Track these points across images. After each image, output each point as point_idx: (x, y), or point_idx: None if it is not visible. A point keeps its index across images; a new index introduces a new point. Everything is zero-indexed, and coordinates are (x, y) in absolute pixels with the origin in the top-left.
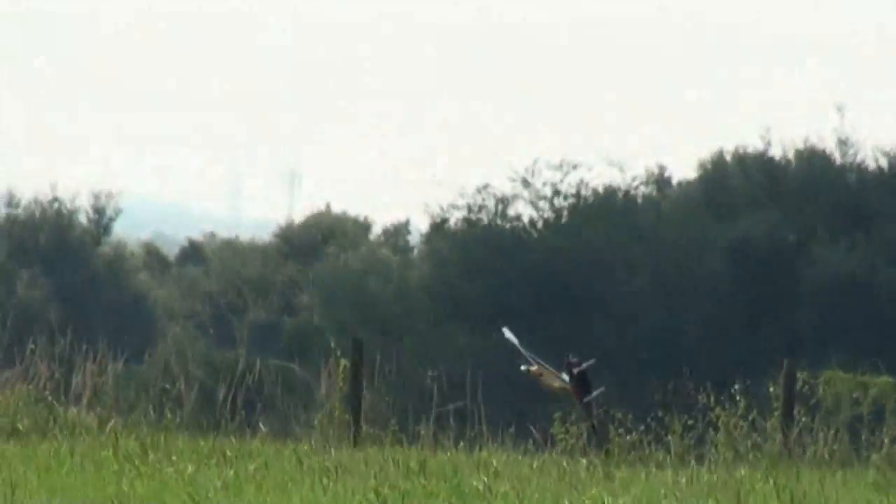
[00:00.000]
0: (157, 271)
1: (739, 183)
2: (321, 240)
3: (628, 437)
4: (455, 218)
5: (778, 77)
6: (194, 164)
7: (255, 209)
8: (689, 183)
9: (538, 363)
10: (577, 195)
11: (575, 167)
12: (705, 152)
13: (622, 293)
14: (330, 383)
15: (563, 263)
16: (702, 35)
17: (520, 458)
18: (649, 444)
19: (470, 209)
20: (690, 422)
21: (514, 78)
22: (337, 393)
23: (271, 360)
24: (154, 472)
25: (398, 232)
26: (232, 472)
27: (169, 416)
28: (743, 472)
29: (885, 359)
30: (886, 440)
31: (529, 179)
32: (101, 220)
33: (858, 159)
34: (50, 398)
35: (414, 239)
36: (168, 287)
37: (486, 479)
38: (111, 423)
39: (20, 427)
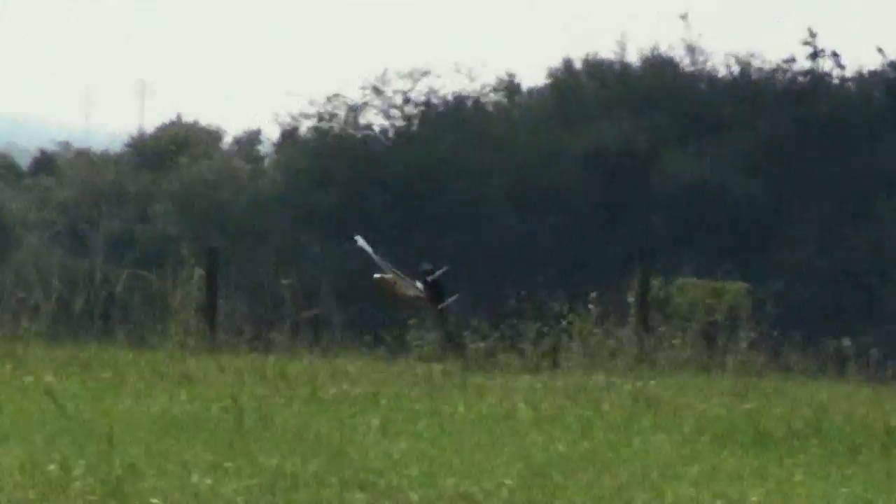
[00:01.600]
0: (10, 182)
1: (590, 90)
2: (174, 149)
3: (482, 344)
4: (306, 127)
5: None
6: (45, 75)
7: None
8: (539, 90)
9: (392, 271)
10: (428, 103)
11: (425, 74)
12: (556, 60)
13: (475, 201)
14: (185, 292)
15: (416, 172)
16: None
17: (375, 364)
18: (504, 350)
19: (321, 118)
20: (545, 328)
21: None
22: (192, 302)
23: (127, 270)
24: (12, 380)
25: (250, 141)
26: (90, 378)
27: (26, 325)
28: (599, 377)
29: (739, 265)
30: (743, 346)
31: (380, 87)
32: None
33: (708, 67)
34: None
35: (266, 148)
36: (21, 197)
37: (341, 384)
38: None
39: None
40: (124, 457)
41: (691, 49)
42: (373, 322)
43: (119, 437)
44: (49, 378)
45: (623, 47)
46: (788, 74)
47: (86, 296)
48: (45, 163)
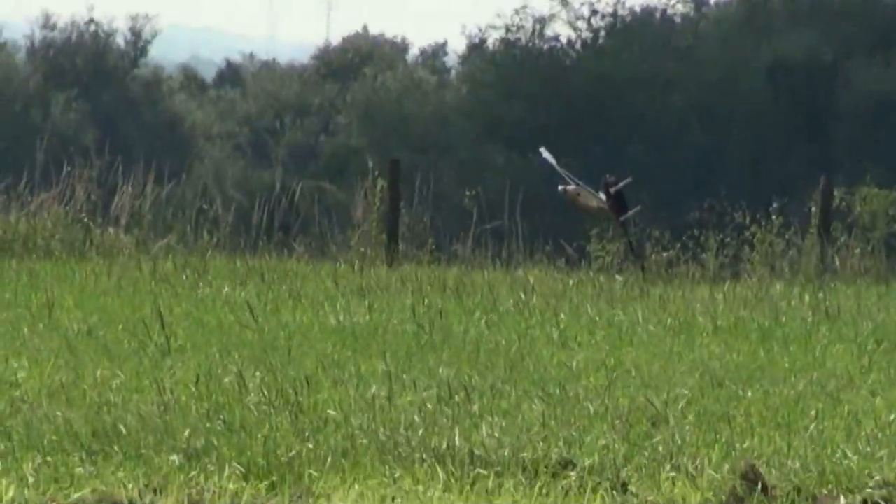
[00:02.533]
0: (194, 94)
1: (778, 2)
2: (359, 62)
3: (664, 255)
4: (493, 39)
5: None
6: None
7: (292, 32)
8: (727, 2)
9: (575, 183)
10: (615, 15)
11: None
12: None
13: (659, 114)
14: (367, 204)
15: (601, 84)
16: None
17: (556, 276)
18: (685, 261)
19: (507, 30)
20: (727, 240)
21: None
22: (374, 213)
23: (309, 181)
24: (191, 292)
25: (435, 53)
26: (269, 290)
27: (206, 237)
28: (779, 288)
29: None
30: None
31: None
32: (138, 43)
33: None
34: (87, 220)
35: (451, 60)
36: (205, 109)
37: (522, 296)
38: (149, 245)
39: (56, 249)
40: (301, 369)
41: None
42: (555, 233)
43: (296, 349)
44: (227, 290)
45: None
46: None
47: (265, 207)
48: (230, 74)
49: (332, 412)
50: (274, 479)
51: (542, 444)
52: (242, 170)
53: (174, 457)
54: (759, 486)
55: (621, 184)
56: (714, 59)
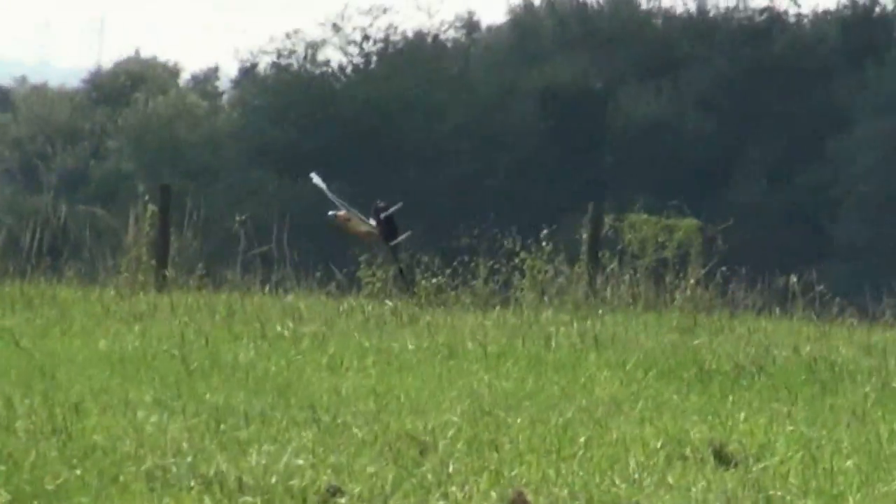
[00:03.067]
0: None
1: (549, 28)
2: (130, 86)
3: (434, 281)
4: (264, 63)
5: None
6: (1, 9)
7: (64, 57)
8: (498, 28)
9: (346, 208)
10: (386, 40)
11: (384, 11)
12: None
13: (431, 139)
14: (137, 229)
15: (373, 109)
16: None
17: (326, 301)
18: (455, 288)
19: (279, 54)
20: (496, 266)
21: None
22: (144, 238)
23: (79, 206)
24: None
25: (207, 78)
26: (37, 316)
27: None
28: (548, 315)
29: (690, 202)
30: (691, 282)
31: (339, 24)
32: None
33: (664, 4)
34: None
35: (223, 85)
36: None
37: (291, 322)
38: None
39: None
40: (69, 395)
41: None
42: (325, 259)
43: (64, 375)
44: None
45: None
46: (745, 12)
47: (35, 232)
48: (0, 98)
49: (99, 438)
50: None
51: (310, 471)
52: (12, 194)
53: None
54: None
55: (391, 209)
56: (485, 84)
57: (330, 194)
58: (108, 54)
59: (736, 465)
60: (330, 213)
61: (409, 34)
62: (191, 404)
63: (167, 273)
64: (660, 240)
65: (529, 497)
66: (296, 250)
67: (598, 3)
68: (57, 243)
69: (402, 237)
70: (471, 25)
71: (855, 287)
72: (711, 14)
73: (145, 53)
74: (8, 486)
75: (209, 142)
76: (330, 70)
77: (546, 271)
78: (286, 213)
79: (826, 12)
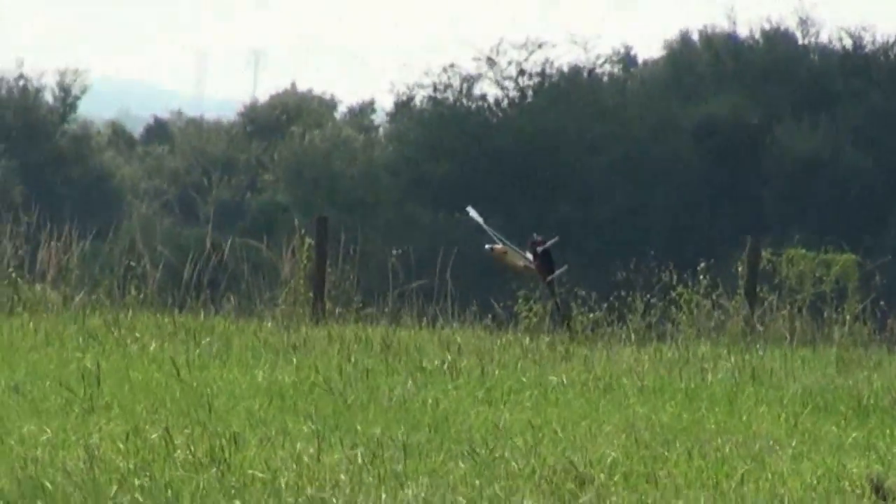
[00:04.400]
0: (123, 149)
1: (705, 63)
2: (286, 119)
3: (591, 316)
4: (420, 97)
5: None
6: (159, 42)
7: (220, 89)
8: (654, 62)
9: (502, 242)
10: (542, 74)
11: (540, 46)
12: (672, 32)
13: (587, 173)
14: (294, 262)
15: (528, 143)
16: None
17: (482, 335)
18: (611, 322)
19: (435, 88)
20: (653, 300)
21: None
22: (301, 271)
23: (236, 239)
24: (118, 348)
25: (363, 111)
26: (196, 348)
27: (133, 293)
28: (705, 349)
29: (847, 237)
30: (848, 317)
31: (494, 59)
32: (67, 99)
33: (820, 39)
34: (14, 276)
35: (379, 118)
36: (133, 165)
37: (448, 355)
38: (76, 300)
39: None
40: (227, 426)
41: (804, 21)
42: (482, 293)
43: (223, 407)
44: (154, 346)
45: (734, 19)
46: None
47: (194, 264)
48: (158, 131)
49: (258, 470)
50: None
51: (467, 503)
52: (170, 226)
53: None
54: None
55: (548, 243)
56: (641, 118)
57: (487, 228)
58: (264, 87)
59: (894, 500)
60: (487, 246)
61: (565, 68)
62: (348, 437)
63: (324, 305)
64: (817, 274)
65: None
66: (453, 284)
67: (753, 38)
68: (215, 276)
69: (559, 272)
70: (627, 60)
71: None
72: (867, 49)
73: (301, 86)
74: None
75: (365, 175)
76: (486, 104)
77: (703, 305)
78: (443, 247)
79: None
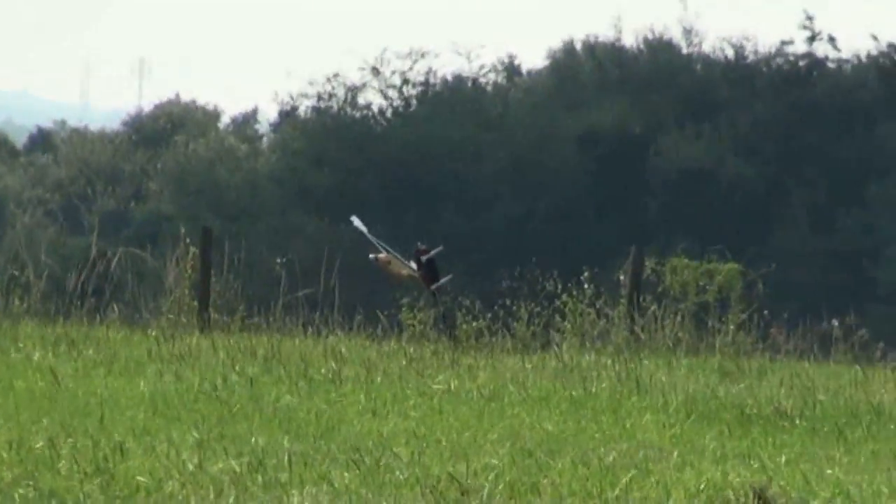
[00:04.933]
0: (6, 159)
1: (589, 71)
2: (170, 129)
3: (475, 324)
4: (304, 106)
5: None
6: (43, 52)
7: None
8: (538, 72)
9: (387, 251)
10: (426, 83)
11: (423, 55)
12: (556, 41)
13: (471, 182)
14: (179, 271)
15: (413, 152)
16: None
17: (368, 344)
18: (496, 331)
19: (319, 98)
20: (537, 309)
21: None
22: (186, 280)
23: (121, 248)
24: (1, 356)
25: (247, 121)
26: (80, 356)
27: (17, 302)
28: (589, 358)
29: (731, 246)
30: (732, 327)
31: (379, 68)
32: None
33: (704, 49)
34: None
35: (263, 128)
36: (17, 175)
37: (333, 364)
38: None
39: None
40: (112, 435)
41: (688, 31)
42: (366, 302)
43: (108, 416)
44: (38, 355)
45: (619, 29)
46: (785, 57)
47: (79, 274)
48: (42, 140)
49: (143, 479)
50: None
51: None
52: (54, 236)
53: None
54: None
55: (432, 252)
56: (525, 127)
57: (371, 237)
58: (149, 97)
59: None
60: (371, 255)
61: (449, 77)
62: (233, 446)
63: (209, 315)
64: (701, 283)
65: None
66: (338, 293)
67: (638, 47)
68: (100, 285)
69: (443, 280)
70: (511, 69)
71: None
72: (749, 59)
73: (185, 96)
74: None
75: (249, 184)
76: (370, 113)
77: (588, 314)
78: (328, 256)
79: (869, 56)
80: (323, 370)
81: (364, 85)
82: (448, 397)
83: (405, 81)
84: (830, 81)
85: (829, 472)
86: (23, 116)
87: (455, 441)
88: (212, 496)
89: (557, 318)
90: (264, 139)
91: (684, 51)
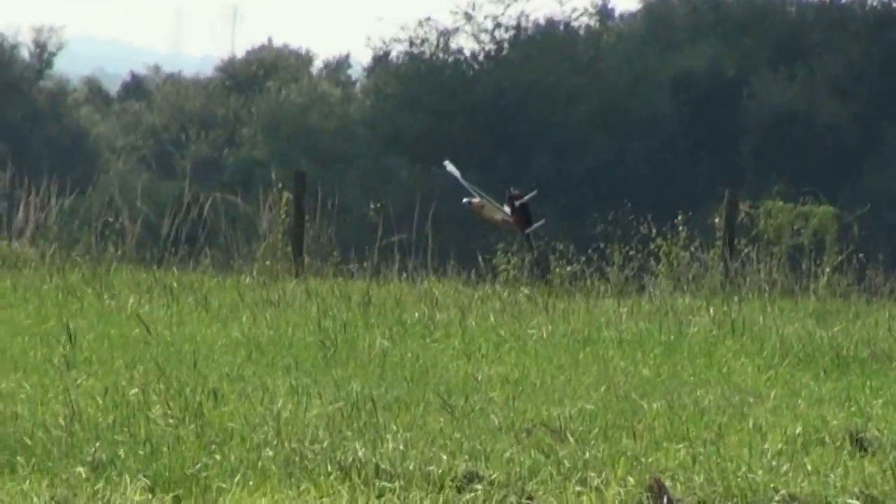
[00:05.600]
0: (100, 106)
1: (682, 15)
2: (263, 74)
3: (569, 268)
4: (397, 51)
5: None
6: (134, 2)
7: (197, 46)
8: (631, 15)
9: (480, 196)
10: (518, 28)
11: (516, 0)
12: None
13: (563, 126)
14: (272, 216)
15: (505, 97)
16: None
17: (461, 289)
18: (590, 275)
19: (412, 43)
20: (631, 253)
21: None
22: (279, 226)
23: (215, 193)
24: (96, 304)
25: (340, 66)
26: (174, 303)
27: (112, 249)
28: (684, 301)
29: (824, 189)
30: (827, 269)
31: (471, 13)
32: (43, 56)
33: None
34: None
35: (356, 73)
36: (110, 122)
37: (427, 309)
38: (54, 257)
39: None
40: (206, 381)
41: None
42: (460, 246)
43: (202, 362)
44: (132, 302)
45: None
46: None
47: (172, 220)
48: (135, 88)
49: (237, 425)
50: (180, 491)
51: (447, 457)
52: (148, 182)
53: (80, 469)
54: (665, 500)
55: (526, 197)
56: (617, 71)
57: (464, 182)
58: (241, 43)
59: (874, 451)
60: (465, 200)
61: (541, 21)
62: (327, 391)
63: (303, 260)
64: (795, 227)
65: (667, 483)
66: (431, 238)
67: None
68: (193, 231)
69: (536, 225)
70: (604, 12)
71: None
72: (843, 1)
73: (277, 42)
74: (147, 471)
75: (342, 129)
76: (462, 58)
77: (681, 257)
78: (421, 201)
79: None
80: (417, 315)
81: (456, 29)
82: (542, 342)
83: (497, 25)
84: None
85: None
86: (115, 65)
87: (549, 385)
88: (307, 442)
89: (652, 261)
90: (357, 84)
91: None
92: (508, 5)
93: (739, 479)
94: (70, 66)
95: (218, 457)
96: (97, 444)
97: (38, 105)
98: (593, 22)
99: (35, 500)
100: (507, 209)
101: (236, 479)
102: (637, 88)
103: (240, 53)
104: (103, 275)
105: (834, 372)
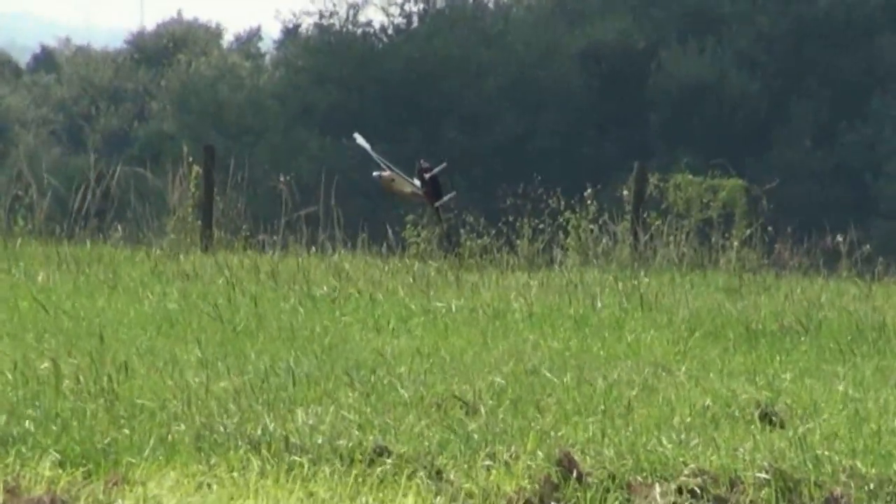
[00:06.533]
0: (9, 79)
1: None
2: (173, 47)
3: (479, 241)
4: (307, 24)
5: None
6: None
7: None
8: None
9: (390, 168)
10: (427, 1)
11: None
12: None
13: (473, 99)
14: (182, 189)
15: (414, 69)
16: None
17: (371, 262)
18: (500, 248)
19: (321, 15)
20: (541, 226)
21: None
22: (189, 199)
23: (124, 167)
24: (5, 277)
25: (250, 39)
26: (83, 276)
27: (21, 223)
28: (593, 275)
29: (734, 162)
30: (736, 243)
31: None
32: None
33: None
34: None
35: (266, 46)
36: (20, 95)
37: (337, 282)
38: None
39: None
40: (116, 355)
41: None
42: (370, 219)
43: (111, 336)
44: (42, 276)
45: None
46: None
47: (82, 193)
48: (45, 60)
49: (147, 399)
50: (90, 466)
51: (357, 431)
52: (58, 156)
53: None
54: (574, 474)
55: (436, 169)
56: (526, 44)
57: (374, 154)
58: (151, 16)
59: (783, 425)
60: (375, 173)
61: None
62: (237, 364)
63: (212, 233)
64: (704, 200)
65: (576, 457)
66: (341, 211)
67: None
68: (103, 205)
69: (446, 197)
70: None
71: None
72: None
73: (188, 15)
74: (57, 445)
75: (252, 103)
76: (372, 30)
77: (591, 231)
78: (331, 174)
79: None
80: (326, 288)
81: (366, 2)
82: (452, 315)
83: None
84: None
85: (836, 388)
86: (25, 37)
87: (459, 359)
88: (217, 416)
89: (561, 235)
90: (267, 57)
91: None
92: None
93: (649, 453)
94: None
95: (127, 431)
96: (6, 419)
97: None
98: None
99: None
100: (417, 182)
101: (146, 454)
102: (547, 61)
103: (150, 26)
104: (13, 248)
105: (743, 345)
